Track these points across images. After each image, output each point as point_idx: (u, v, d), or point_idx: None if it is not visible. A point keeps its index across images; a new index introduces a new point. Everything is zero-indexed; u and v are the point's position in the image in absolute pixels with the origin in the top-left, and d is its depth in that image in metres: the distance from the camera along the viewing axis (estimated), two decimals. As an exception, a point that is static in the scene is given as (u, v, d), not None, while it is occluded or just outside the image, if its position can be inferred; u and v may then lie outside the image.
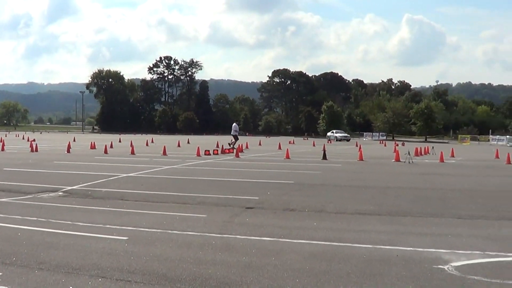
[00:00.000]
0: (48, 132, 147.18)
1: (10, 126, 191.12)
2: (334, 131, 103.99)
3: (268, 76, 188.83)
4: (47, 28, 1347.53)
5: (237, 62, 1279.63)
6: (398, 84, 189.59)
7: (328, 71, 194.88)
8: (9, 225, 12.14)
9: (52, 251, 9.58)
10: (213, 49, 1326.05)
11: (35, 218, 12.95)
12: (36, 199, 16.41)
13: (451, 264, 8.69)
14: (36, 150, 41.97)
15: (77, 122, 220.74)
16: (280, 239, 10.58)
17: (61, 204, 15.35)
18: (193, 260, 8.96)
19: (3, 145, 46.66)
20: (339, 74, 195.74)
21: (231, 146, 46.74)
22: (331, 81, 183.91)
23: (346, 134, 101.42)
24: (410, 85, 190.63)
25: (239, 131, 51.79)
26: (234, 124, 51.73)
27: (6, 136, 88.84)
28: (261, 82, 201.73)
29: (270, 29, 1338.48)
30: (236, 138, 49.70)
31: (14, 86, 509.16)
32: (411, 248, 9.79)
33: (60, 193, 17.73)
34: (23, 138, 77.19)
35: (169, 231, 11.34)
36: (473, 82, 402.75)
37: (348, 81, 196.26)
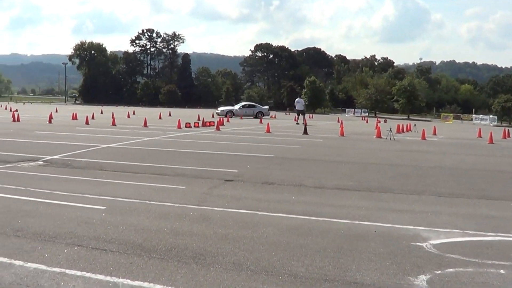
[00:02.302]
0: (31, 103, 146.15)
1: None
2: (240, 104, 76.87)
3: (250, 50, 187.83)
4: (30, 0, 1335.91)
5: (220, 35, 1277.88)
6: (381, 60, 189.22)
7: (311, 46, 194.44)
8: (-13, 194, 12.10)
9: (29, 219, 9.55)
10: (196, 23, 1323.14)
11: (14, 187, 12.89)
12: (15, 168, 16.33)
13: (430, 241, 8.71)
14: (18, 120, 41.75)
15: (60, 94, 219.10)
16: (258, 212, 10.59)
17: (41, 173, 15.28)
18: (170, 230, 8.96)
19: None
20: (322, 50, 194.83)
21: (299, 123, 47.01)
22: (314, 56, 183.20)
23: (254, 107, 71.43)
24: (393, 62, 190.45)
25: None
26: (299, 98, 51.68)
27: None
28: (244, 56, 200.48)
29: (253, 2, 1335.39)
30: (302, 114, 49.75)
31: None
32: (389, 225, 9.82)
33: (40, 162, 17.65)
34: (6, 109, 76.72)
35: (147, 202, 11.34)
36: (457, 61, 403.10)
37: (331, 56, 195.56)
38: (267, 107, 71.31)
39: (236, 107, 70.55)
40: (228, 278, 6.73)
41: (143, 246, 8.03)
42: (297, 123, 48.19)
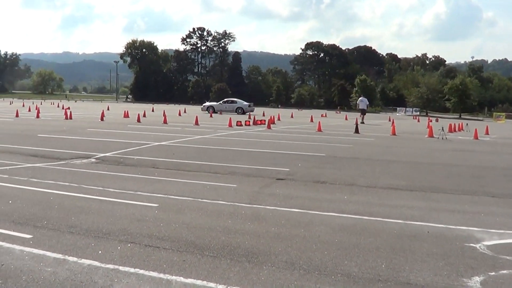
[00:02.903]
0: (83, 101, 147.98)
1: (46, 94, 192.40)
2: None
3: (301, 48, 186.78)
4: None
5: (271, 34, 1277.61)
6: (433, 59, 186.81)
7: (362, 45, 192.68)
8: (41, 190, 12.30)
9: (83, 216, 9.67)
10: (246, 21, 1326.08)
11: (67, 183, 13.08)
12: (69, 165, 16.55)
13: (483, 243, 8.57)
14: (71, 118, 42.31)
15: (111, 92, 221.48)
16: (310, 211, 10.55)
17: (93, 171, 15.47)
18: (222, 229, 8.98)
19: (38, 112, 47.11)
20: (373, 48, 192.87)
21: (364, 122, 47.20)
22: (365, 55, 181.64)
23: (235, 102, 71.74)
24: (445, 61, 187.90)
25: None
26: (362, 97, 51.63)
27: (41, 103, 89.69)
28: (294, 54, 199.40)
29: (304, 0, 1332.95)
30: (363, 113, 49.76)
31: (50, 56, 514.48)
32: (442, 225, 9.69)
33: (93, 159, 17.87)
34: (58, 106, 77.74)
35: (199, 200, 11.38)
36: (509, 59, 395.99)
37: (382, 55, 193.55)
38: (247, 103, 71.21)
39: (217, 103, 73.03)
40: (281, 277, 6.71)
41: (195, 244, 8.05)
42: (362, 122, 47.84)
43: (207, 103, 74.27)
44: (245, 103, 71.22)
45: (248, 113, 62.54)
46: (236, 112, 65.08)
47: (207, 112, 62.06)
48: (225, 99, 76.00)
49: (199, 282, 6.47)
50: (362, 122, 47.95)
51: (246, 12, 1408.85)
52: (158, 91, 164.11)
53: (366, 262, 7.42)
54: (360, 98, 51.88)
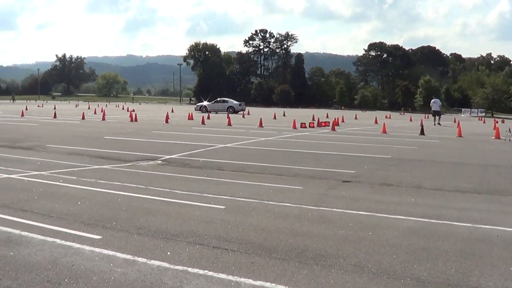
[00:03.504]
0: (147, 103, 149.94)
1: (110, 97, 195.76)
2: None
3: (364, 49, 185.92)
4: (146, 2, 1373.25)
5: (333, 35, 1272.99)
6: (498, 59, 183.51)
7: (426, 45, 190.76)
8: (109, 191, 12.51)
9: (151, 217, 9.79)
10: (309, 22, 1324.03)
11: (135, 185, 13.26)
12: (135, 166, 16.81)
13: (555, 247, 8.39)
14: (136, 120, 42.92)
15: (175, 94, 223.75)
16: (377, 214, 10.47)
17: (160, 172, 15.67)
18: (289, 231, 8.99)
19: (104, 114, 47.91)
20: (437, 48, 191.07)
21: (440, 123, 47.04)
22: (428, 55, 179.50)
23: (226, 102, 74.23)
24: (510, 60, 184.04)
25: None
26: (435, 99, 51.29)
27: (106, 106, 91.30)
28: (357, 55, 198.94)
29: (366, 1, 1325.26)
30: (438, 115, 49.40)
31: (114, 59, 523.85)
32: (512, 229, 9.52)
33: (159, 161, 18.10)
34: (123, 109, 78.95)
35: (266, 202, 11.41)
36: None
37: (446, 55, 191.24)
38: (238, 103, 73.84)
39: (209, 102, 74.64)
40: (349, 280, 6.68)
41: (263, 246, 8.08)
42: (434, 124, 47.20)
43: (200, 103, 76.92)
44: (236, 102, 74.10)
45: (240, 112, 66.64)
46: (227, 111, 66.25)
47: (200, 111, 64.61)
48: (217, 99, 78.25)
49: (268, 284, 6.49)
50: (439, 124, 47.44)
51: (308, 13, 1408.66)
52: (221, 93, 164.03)
53: (436, 266, 7.32)
54: (433, 100, 50.86)
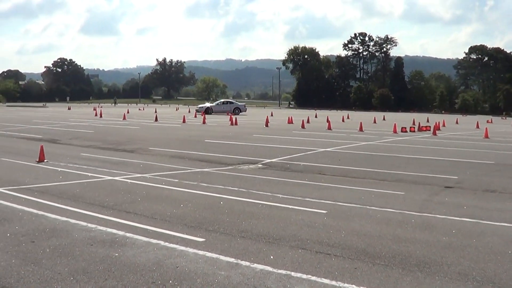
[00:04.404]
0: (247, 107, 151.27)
1: (210, 101, 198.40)
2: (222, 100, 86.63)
3: (464, 52, 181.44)
4: (245, 7, 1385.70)
5: (433, 38, 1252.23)
6: None
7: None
8: (211, 194, 12.72)
9: (253, 221, 9.90)
10: (408, 25, 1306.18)
11: (236, 188, 13.44)
12: (236, 170, 17.00)
13: None
14: (236, 124, 43.28)
15: (274, 98, 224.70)
16: (481, 221, 10.27)
17: (261, 176, 15.81)
18: (392, 237, 8.92)
19: (204, 118, 48.49)
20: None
21: None
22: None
23: (232, 103, 77.95)
24: None
25: None
26: None
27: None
28: (457, 58, 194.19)
29: (467, 3, 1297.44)
30: None
31: (213, 63, 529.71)
32: None
33: (260, 165, 18.24)
34: (224, 112, 79.91)
35: (367, 207, 11.37)
36: None
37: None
38: (243, 104, 76.64)
39: (214, 104, 76.33)
40: (454, 288, 6.59)
41: (366, 251, 8.05)
42: None
43: (204, 105, 77.58)
44: (241, 104, 76.99)
45: (242, 113, 68.77)
46: (233, 112, 67.12)
47: (204, 112, 64.07)
48: (222, 100, 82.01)
49: (371, 290, 6.47)
50: None
51: (408, 16, 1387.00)
52: (320, 97, 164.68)
53: (543, 276, 7.13)
54: None
